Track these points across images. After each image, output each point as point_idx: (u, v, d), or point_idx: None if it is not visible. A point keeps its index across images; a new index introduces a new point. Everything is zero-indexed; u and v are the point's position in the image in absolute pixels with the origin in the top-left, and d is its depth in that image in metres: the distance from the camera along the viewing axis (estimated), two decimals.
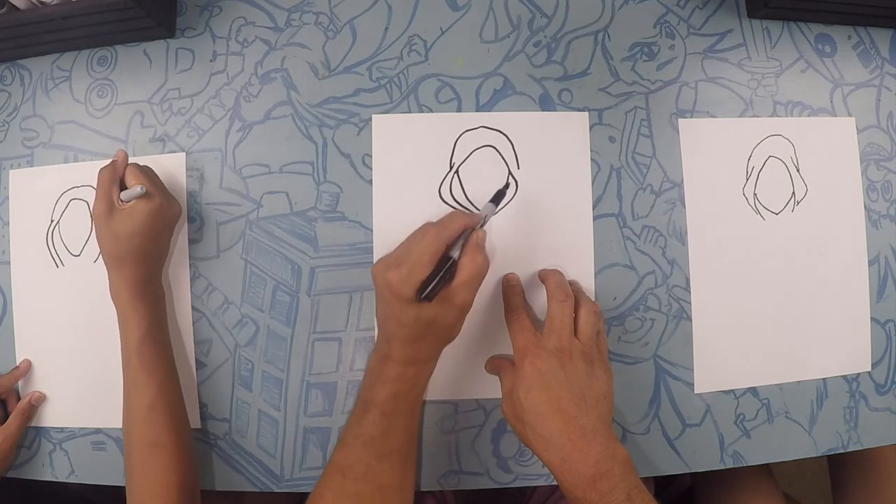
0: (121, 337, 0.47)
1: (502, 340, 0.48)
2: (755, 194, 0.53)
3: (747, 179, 0.53)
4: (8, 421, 0.51)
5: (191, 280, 0.52)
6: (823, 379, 0.52)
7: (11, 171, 0.55)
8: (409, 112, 0.52)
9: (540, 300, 0.50)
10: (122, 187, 0.47)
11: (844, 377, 0.53)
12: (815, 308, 0.52)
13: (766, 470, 0.65)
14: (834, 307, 0.53)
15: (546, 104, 0.52)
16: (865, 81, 0.55)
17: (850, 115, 0.54)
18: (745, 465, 0.51)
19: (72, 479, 0.52)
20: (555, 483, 0.42)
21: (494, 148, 0.51)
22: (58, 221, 0.54)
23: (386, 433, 0.41)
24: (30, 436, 0.53)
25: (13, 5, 0.49)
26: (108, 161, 0.48)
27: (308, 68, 0.53)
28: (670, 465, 0.51)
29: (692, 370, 0.51)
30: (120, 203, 0.46)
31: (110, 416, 0.49)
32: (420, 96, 0.52)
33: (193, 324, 0.52)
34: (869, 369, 0.53)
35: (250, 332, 0.52)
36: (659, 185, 0.52)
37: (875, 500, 0.60)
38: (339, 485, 0.41)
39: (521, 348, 0.43)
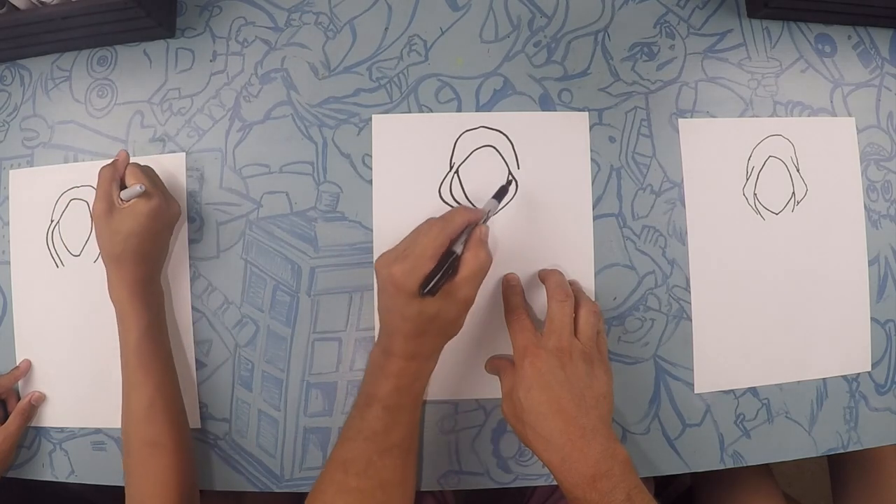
0: (119, 336, 0.47)
1: (502, 340, 0.48)
2: (755, 194, 0.53)
3: (747, 179, 0.53)
4: (8, 421, 0.51)
5: (191, 280, 0.52)
6: (823, 379, 0.52)
7: (11, 171, 0.55)
8: (409, 112, 0.52)
9: (540, 300, 0.50)
10: (123, 187, 0.47)
11: (844, 377, 0.53)
12: (815, 308, 0.52)
13: (766, 470, 0.65)
14: (834, 307, 0.53)
15: (546, 104, 0.52)
16: (865, 81, 0.55)
17: (850, 115, 0.54)
18: (745, 465, 0.51)
19: (72, 479, 0.52)
20: (555, 483, 0.42)
21: (494, 148, 0.51)
22: (58, 221, 0.54)
23: (388, 428, 0.41)
24: (30, 436, 0.53)
25: (13, 5, 0.49)
26: (108, 161, 0.48)
27: (308, 68, 0.53)
28: (670, 465, 0.51)
29: (692, 370, 0.51)
30: (120, 202, 0.46)
31: (110, 416, 0.49)
32: (420, 96, 0.52)
33: (193, 324, 0.52)
34: (869, 369, 0.53)
35: (250, 332, 0.52)
36: (659, 185, 0.52)
37: (875, 500, 0.60)
38: (340, 480, 0.40)
39: (521, 348, 0.43)
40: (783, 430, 0.52)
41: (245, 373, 0.51)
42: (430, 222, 0.41)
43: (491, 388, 0.49)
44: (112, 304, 0.48)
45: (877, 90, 0.55)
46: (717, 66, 0.54)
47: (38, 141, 0.55)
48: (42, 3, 0.49)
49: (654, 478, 0.64)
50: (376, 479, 0.40)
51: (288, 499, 0.51)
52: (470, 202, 0.51)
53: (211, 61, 0.54)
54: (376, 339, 0.45)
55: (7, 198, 0.55)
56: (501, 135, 0.52)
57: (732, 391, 0.52)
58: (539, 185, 0.51)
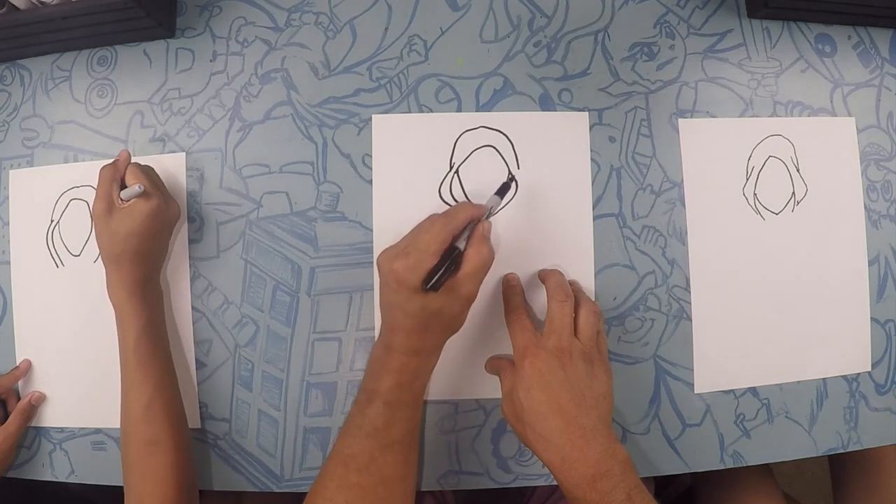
0: (118, 336, 0.47)
1: (502, 340, 0.48)
2: (755, 194, 0.53)
3: (747, 179, 0.53)
4: (8, 421, 0.51)
5: (191, 280, 0.52)
6: (823, 379, 0.52)
7: (11, 171, 0.55)
8: (409, 112, 0.52)
9: (540, 300, 0.50)
10: (124, 187, 0.47)
11: (844, 377, 0.53)
12: (815, 308, 0.52)
13: (766, 470, 0.65)
14: (834, 307, 0.53)
15: (546, 104, 0.52)
16: (865, 81, 0.55)
17: (850, 115, 0.54)
18: (745, 465, 0.51)
19: (72, 479, 0.52)
20: (555, 483, 0.42)
21: (494, 148, 0.51)
22: (58, 221, 0.54)
23: (389, 424, 0.41)
24: (30, 436, 0.53)
25: (13, 5, 0.49)
26: (108, 161, 0.48)
27: (308, 68, 0.53)
28: (670, 465, 0.51)
29: (692, 370, 0.51)
30: (120, 202, 0.46)
31: (110, 416, 0.49)
32: (420, 96, 0.52)
33: (193, 324, 0.52)
34: (869, 369, 0.53)
35: (250, 332, 0.52)
36: (659, 185, 0.52)
37: (875, 500, 0.60)
38: (341, 476, 0.40)
39: (521, 348, 0.43)
40: (783, 430, 0.52)
41: (245, 373, 0.51)
42: (432, 218, 0.42)
43: (491, 388, 0.49)
44: (111, 304, 0.48)
45: (877, 90, 0.55)
46: (717, 66, 0.54)
47: (38, 141, 0.55)
48: (42, 3, 0.49)
49: (654, 478, 0.64)
50: (378, 475, 0.40)
51: (288, 499, 0.51)
52: (470, 202, 0.51)
53: (211, 61, 0.54)
54: (377, 336, 0.45)
55: (7, 198, 0.55)
56: (501, 135, 0.52)
57: (732, 391, 0.52)
58: (539, 186, 0.51)
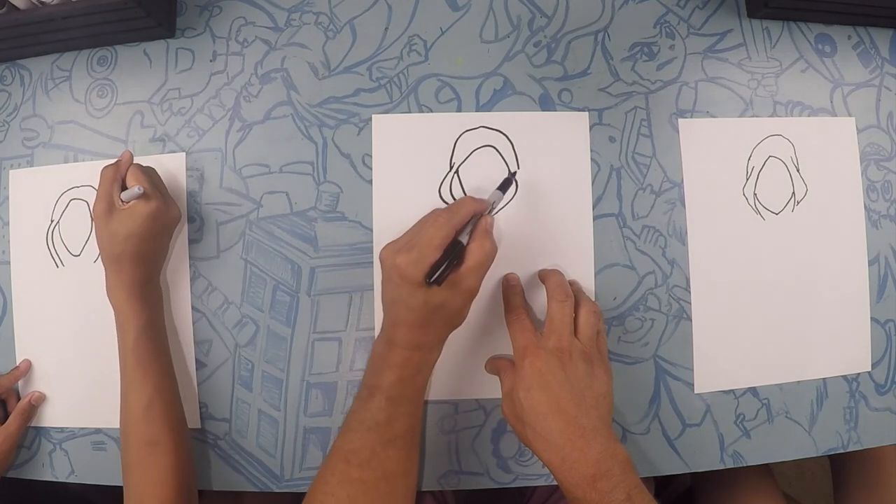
0: (118, 336, 0.47)
1: (502, 340, 0.48)
2: (755, 194, 0.53)
3: (747, 179, 0.53)
4: (8, 421, 0.51)
5: (191, 280, 0.52)
6: (823, 379, 0.52)
7: (11, 171, 0.55)
8: (409, 112, 0.52)
9: (540, 300, 0.50)
10: (125, 188, 0.47)
11: (844, 377, 0.53)
12: (815, 308, 0.52)
13: (766, 470, 0.65)
14: (834, 307, 0.53)
15: (546, 104, 0.52)
16: (865, 81, 0.55)
17: (850, 115, 0.54)
18: (745, 465, 0.51)
19: (72, 479, 0.52)
20: (555, 483, 0.42)
21: (494, 148, 0.51)
22: (58, 221, 0.54)
23: (391, 419, 0.41)
24: (30, 436, 0.53)
25: (13, 5, 0.49)
26: (108, 161, 0.48)
27: (308, 68, 0.53)
28: (670, 465, 0.51)
29: (692, 370, 0.51)
30: (120, 203, 0.46)
31: (110, 416, 0.49)
32: (420, 96, 0.52)
33: (193, 324, 0.52)
34: (869, 369, 0.53)
35: (250, 332, 0.52)
36: (659, 185, 0.52)
37: (875, 500, 0.60)
38: (343, 471, 0.40)
39: (521, 348, 0.43)
40: (783, 430, 0.52)
41: (245, 373, 0.51)
42: (436, 213, 0.42)
43: (491, 388, 0.49)
44: (111, 305, 0.48)
45: (877, 90, 0.55)
46: (717, 66, 0.54)
47: (38, 141, 0.55)
48: (42, 3, 0.49)
49: (654, 478, 0.64)
50: (379, 469, 0.40)
51: (288, 499, 0.51)
52: (473, 197, 0.51)
53: (211, 61, 0.54)
54: (377, 336, 0.45)
55: (7, 198, 0.55)
56: (501, 135, 0.52)
57: (732, 391, 0.52)
58: (539, 186, 0.51)
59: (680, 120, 0.53)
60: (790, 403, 0.52)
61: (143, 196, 0.45)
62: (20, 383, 0.54)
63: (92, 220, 0.53)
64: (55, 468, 0.53)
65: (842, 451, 0.52)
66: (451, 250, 0.40)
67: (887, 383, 0.53)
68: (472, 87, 0.52)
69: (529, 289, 0.50)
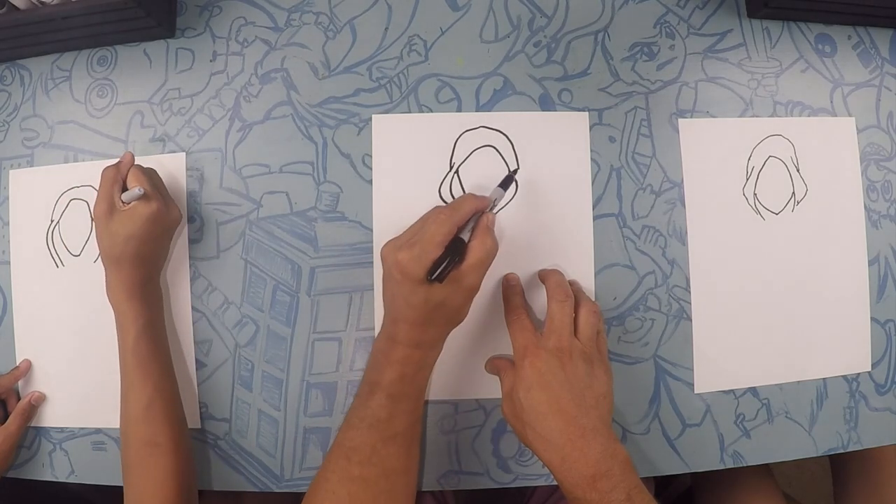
0: (118, 337, 0.47)
1: (502, 340, 0.48)
2: (755, 194, 0.53)
3: (747, 179, 0.53)
4: (8, 421, 0.51)
5: (191, 280, 0.52)
6: (823, 379, 0.52)
7: (11, 171, 0.55)
8: (409, 112, 0.52)
9: (540, 300, 0.50)
10: (126, 189, 0.47)
11: (844, 377, 0.53)
12: (815, 308, 0.52)
13: (766, 470, 0.65)
14: (834, 307, 0.53)
15: (546, 104, 0.52)
16: (865, 81, 0.55)
17: (850, 115, 0.54)
18: (745, 465, 0.51)
19: (72, 479, 0.52)
20: (555, 483, 0.42)
21: (494, 148, 0.51)
22: (58, 221, 0.54)
23: (392, 416, 0.41)
24: (30, 436, 0.53)
25: (13, 5, 0.49)
26: (108, 161, 0.48)
27: (308, 68, 0.53)
28: (670, 465, 0.51)
29: (692, 370, 0.51)
30: (121, 204, 0.46)
31: (110, 416, 0.49)
32: (420, 96, 0.52)
33: (193, 324, 0.52)
34: (869, 369, 0.53)
35: (250, 332, 0.52)
36: (659, 185, 0.52)
37: (875, 500, 0.60)
38: (343, 468, 0.40)
39: (521, 348, 0.43)
40: (783, 430, 0.52)
41: (245, 373, 0.51)
42: (437, 210, 0.42)
43: (491, 388, 0.49)
44: (111, 305, 0.48)
45: (877, 90, 0.55)
46: (717, 66, 0.54)
47: (38, 141, 0.55)
48: (42, 3, 0.49)
49: (654, 478, 0.64)
50: (380, 467, 0.40)
51: (288, 499, 0.51)
52: (474, 194, 0.50)
53: (211, 61, 0.54)
54: (377, 333, 0.45)
55: (7, 198, 0.55)
56: (501, 135, 0.52)
57: (732, 391, 0.52)
58: (539, 186, 0.51)
59: (680, 120, 0.53)
60: (790, 403, 0.52)
61: (144, 197, 0.45)
62: (20, 383, 0.54)
63: (92, 220, 0.53)
64: (55, 468, 0.53)
65: (842, 451, 0.52)
66: (453, 247, 0.40)
67: (887, 383, 0.53)
68: (472, 87, 0.52)
69: (529, 289, 0.50)
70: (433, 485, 0.50)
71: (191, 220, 0.53)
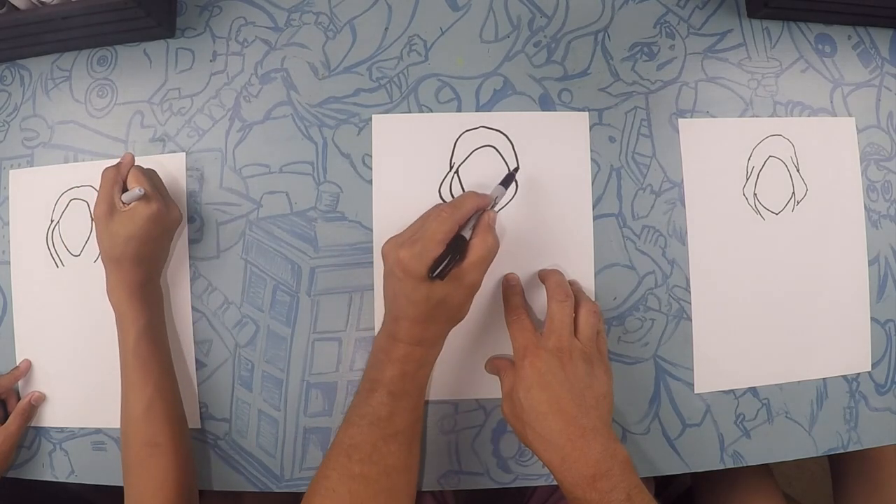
0: (118, 337, 0.47)
1: (502, 340, 0.48)
2: (755, 194, 0.53)
3: (747, 179, 0.53)
4: (8, 421, 0.51)
5: (191, 280, 0.52)
6: (823, 379, 0.52)
7: (11, 171, 0.55)
8: (409, 112, 0.52)
9: (540, 300, 0.50)
10: (126, 190, 0.47)
11: (844, 377, 0.53)
12: (815, 308, 0.52)
13: (766, 470, 0.65)
14: (834, 307, 0.53)
15: (546, 104, 0.52)
16: (865, 81, 0.55)
17: (850, 115, 0.54)
18: (745, 465, 0.51)
19: (72, 479, 0.52)
20: (555, 483, 0.42)
21: (494, 148, 0.51)
22: (58, 221, 0.54)
23: (392, 413, 0.41)
24: (30, 436, 0.53)
25: (13, 5, 0.49)
26: (108, 161, 0.48)
27: (308, 68, 0.53)
28: (670, 465, 0.51)
29: (692, 370, 0.51)
30: (121, 205, 0.46)
31: (110, 416, 0.49)
32: (420, 96, 0.52)
33: (193, 324, 0.52)
34: (869, 369, 0.53)
35: (250, 332, 0.52)
36: (659, 185, 0.52)
37: (875, 500, 0.60)
38: (344, 466, 0.40)
39: (521, 348, 0.43)
40: (783, 430, 0.52)
41: (245, 373, 0.51)
42: (439, 207, 0.42)
43: (491, 388, 0.49)
44: (111, 306, 0.48)
45: (877, 90, 0.55)
46: (717, 66, 0.54)
47: (38, 141, 0.55)
48: (42, 3, 0.49)
49: (654, 478, 0.64)
50: (381, 464, 0.40)
51: (288, 498, 0.51)
52: (475, 192, 0.51)
53: (211, 61, 0.54)
54: (378, 330, 0.45)
55: (7, 198, 0.55)
56: (501, 135, 0.52)
57: (732, 391, 0.52)
58: (539, 185, 0.51)
59: (680, 120, 0.53)
60: (790, 403, 0.52)
61: (144, 198, 0.45)
62: (20, 383, 0.54)
63: (92, 220, 0.53)
64: (55, 468, 0.53)
65: (842, 451, 0.52)
66: (454, 245, 0.40)
67: (887, 383, 0.53)
68: (472, 87, 0.52)
69: (529, 289, 0.50)
70: (433, 485, 0.50)
71: (191, 220, 0.53)
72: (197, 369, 0.52)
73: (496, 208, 0.45)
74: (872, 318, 0.53)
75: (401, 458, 0.42)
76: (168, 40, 0.54)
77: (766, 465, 0.65)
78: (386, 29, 0.53)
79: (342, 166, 0.52)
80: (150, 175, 0.48)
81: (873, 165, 0.54)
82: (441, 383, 0.50)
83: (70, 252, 0.53)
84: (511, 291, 0.48)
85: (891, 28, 0.56)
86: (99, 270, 0.49)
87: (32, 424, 0.53)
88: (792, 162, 0.53)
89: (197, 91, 0.53)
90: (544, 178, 0.51)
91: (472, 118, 0.52)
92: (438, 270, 0.39)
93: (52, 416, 0.53)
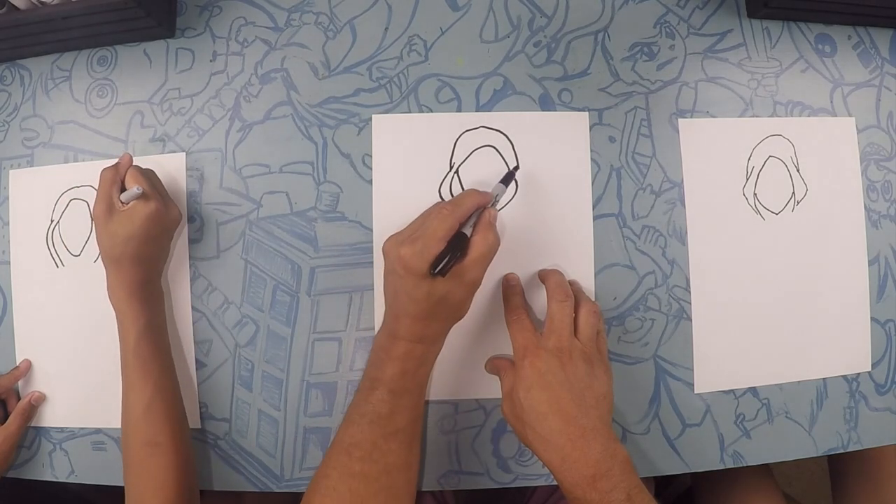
0: (119, 337, 0.47)
1: (502, 340, 0.48)
2: (755, 194, 0.53)
3: (747, 179, 0.53)
4: (8, 421, 0.51)
5: (191, 280, 0.52)
6: (823, 379, 0.52)
7: (11, 171, 0.55)
8: (409, 112, 0.52)
9: (540, 300, 0.50)
10: (124, 189, 0.47)
11: (844, 377, 0.53)
12: (815, 308, 0.52)
13: (766, 470, 0.65)
14: (834, 307, 0.53)
15: (546, 104, 0.52)
16: (865, 81, 0.55)
17: (850, 115, 0.54)
18: (745, 465, 0.51)
19: (72, 479, 0.52)
20: (555, 483, 0.42)
21: (494, 148, 0.51)
22: (58, 221, 0.54)
23: (393, 411, 0.41)
24: (30, 436, 0.53)
25: (13, 5, 0.49)
26: (108, 161, 0.48)
27: (308, 68, 0.53)
28: (670, 465, 0.51)
29: (692, 370, 0.51)
30: (120, 205, 0.46)
31: (110, 416, 0.49)
32: (420, 96, 0.52)
33: (193, 324, 0.52)
34: (869, 369, 0.53)
35: (250, 332, 0.52)
36: (659, 185, 0.52)
37: (875, 500, 0.60)
38: (344, 465, 0.40)
39: (521, 348, 0.43)
40: (783, 430, 0.52)
41: (245, 373, 0.51)
42: (439, 205, 0.42)
43: (491, 388, 0.49)
44: (111, 306, 0.48)
45: (877, 90, 0.55)
46: (717, 66, 0.54)
47: (38, 141, 0.55)
48: (42, 3, 0.49)
49: (654, 478, 0.64)
50: (381, 463, 0.40)
51: (288, 498, 0.51)
52: (476, 190, 0.51)
53: (211, 61, 0.54)
54: (382, 321, 0.45)
55: (7, 198, 0.55)
56: (501, 135, 0.52)
57: (732, 391, 0.52)
58: (539, 185, 0.51)
59: (680, 120, 0.53)
60: (790, 403, 0.52)
61: (143, 197, 0.45)
62: (20, 383, 0.54)
63: (92, 220, 0.53)
64: (55, 468, 0.53)
65: (842, 451, 0.52)
66: (455, 242, 0.40)
67: (887, 383, 0.53)
68: (472, 87, 0.52)
69: (529, 289, 0.50)
70: (433, 485, 0.50)
71: (191, 220, 0.53)
72: (197, 369, 0.52)
73: (497, 206, 0.45)
74: (872, 318, 0.53)
75: (401, 456, 0.42)
76: (168, 40, 0.54)
77: (766, 465, 0.65)
78: (386, 29, 0.53)
79: (342, 166, 0.52)
80: (148, 175, 0.48)
81: (873, 165, 0.54)
82: (441, 383, 0.50)
83: (70, 252, 0.53)
84: (511, 291, 0.48)
85: (891, 28, 0.56)
86: (99, 270, 0.49)
87: (32, 424, 0.53)
88: (792, 162, 0.53)
89: (197, 91, 0.53)
90: (544, 178, 0.51)
91: (472, 118, 0.52)
92: (440, 267, 0.39)
93: (52, 416, 0.53)
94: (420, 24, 0.53)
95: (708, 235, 0.52)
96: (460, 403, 0.51)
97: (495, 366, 0.48)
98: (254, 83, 0.53)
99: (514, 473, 0.50)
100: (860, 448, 0.52)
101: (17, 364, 0.53)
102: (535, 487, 0.62)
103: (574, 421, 0.40)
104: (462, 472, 0.50)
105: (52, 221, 0.54)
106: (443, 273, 0.39)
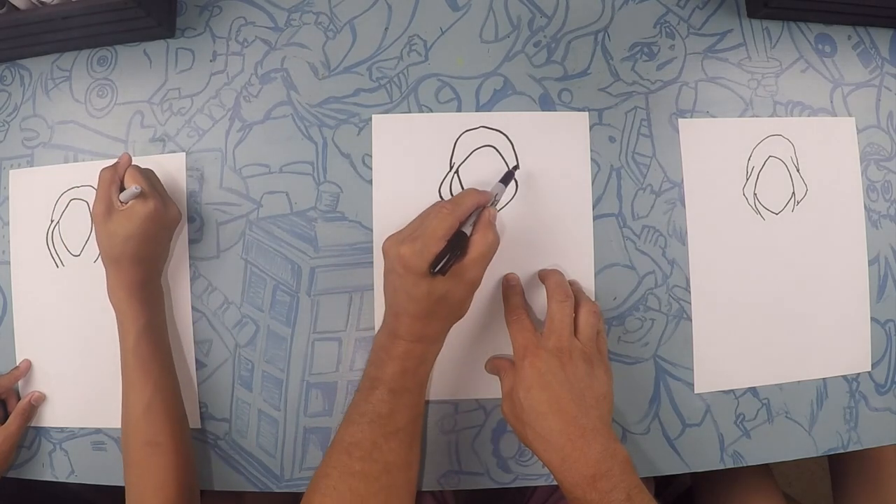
0: (119, 337, 0.47)
1: (502, 340, 0.48)
2: (755, 194, 0.53)
3: (747, 179, 0.53)
4: (8, 421, 0.51)
5: (191, 280, 0.52)
6: (823, 379, 0.52)
7: (11, 171, 0.55)
8: (409, 112, 0.52)
9: (540, 300, 0.50)
10: (123, 189, 0.47)
11: (844, 377, 0.53)
12: (815, 308, 0.52)
13: (766, 470, 0.65)
14: (834, 307, 0.53)
15: (546, 104, 0.52)
16: (865, 81, 0.55)
17: (850, 115, 0.54)
18: (745, 465, 0.51)
19: (72, 479, 0.52)
20: (555, 483, 0.42)
21: (494, 148, 0.51)
22: (58, 221, 0.54)
23: (393, 411, 0.41)
24: (30, 436, 0.53)
25: (13, 5, 0.49)
26: (108, 161, 0.48)
27: (308, 68, 0.53)
28: (670, 465, 0.51)
29: (692, 370, 0.51)
30: (119, 204, 0.46)
31: (110, 416, 0.49)
32: (420, 96, 0.52)
33: (193, 324, 0.52)
34: (869, 369, 0.53)
35: (250, 332, 0.52)
36: (659, 185, 0.52)
37: (875, 500, 0.60)
38: (344, 464, 0.40)
39: (521, 348, 0.43)
40: (783, 430, 0.52)
41: (245, 373, 0.51)
42: (439, 204, 0.42)
43: (491, 388, 0.49)
44: (111, 305, 0.48)
45: (877, 90, 0.55)
46: (717, 66, 0.54)
47: (38, 141, 0.55)
48: (42, 3, 0.49)
49: (654, 478, 0.64)
50: (381, 462, 0.40)
51: (288, 498, 0.51)
52: (476, 189, 0.51)
53: (211, 61, 0.54)
54: (382, 320, 0.45)
55: (7, 198, 0.55)
56: (501, 135, 0.52)
57: (732, 391, 0.52)
58: (539, 185, 0.51)
59: (680, 120, 0.53)
60: (790, 403, 0.52)
61: (142, 196, 0.45)
62: (20, 383, 0.54)
63: (91, 220, 0.53)
64: (55, 468, 0.53)
65: (842, 451, 0.52)
66: (455, 241, 0.40)
67: (887, 383, 0.53)
68: (472, 87, 0.52)
69: (529, 289, 0.50)
70: (433, 485, 0.50)
71: (191, 220, 0.53)
72: (197, 369, 0.52)
73: (497, 206, 0.45)
74: (872, 318, 0.53)
75: (401, 455, 0.42)
76: (168, 40, 0.54)
77: (766, 465, 0.65)
78: (386, 29, 0.53)
79: (342, 166, 0.52)
80: (147, 174, 0.48)
81: (873, 165, 0.54)
82: (441, 383, 0.50)
83: (70, 252, 0.53)
84: (511, 291, 0.48)
85: (891, 28, 0.56)
86: (99, 270, 0.49)
87: (32, 424, 0.53)
88: (792, 162, 0.53)
89: (197, 91, 0.53)
90: (544, 178, 0.51)
91: (472, 118, 0.52)
92: (439, 266, 0.39)
93: (52, 416, 0.53)
94: (420, 24, 0.53)
95: (708, 235, 0.52)
96: (460, 403, 0.51)
97: (495, 366, 0.48)
98: (254, 83, 0.53)
99: (514, 473, 0.50)
100: (860, 448, 0.52)
101: (17, 364, 0.53)
102: (535, 487, 0.62)
103: (574, 421, 0.40)
104: (462, 472, 0.50)
105: (52, 221, 0.54)
106: (443, 272, 0.39)
